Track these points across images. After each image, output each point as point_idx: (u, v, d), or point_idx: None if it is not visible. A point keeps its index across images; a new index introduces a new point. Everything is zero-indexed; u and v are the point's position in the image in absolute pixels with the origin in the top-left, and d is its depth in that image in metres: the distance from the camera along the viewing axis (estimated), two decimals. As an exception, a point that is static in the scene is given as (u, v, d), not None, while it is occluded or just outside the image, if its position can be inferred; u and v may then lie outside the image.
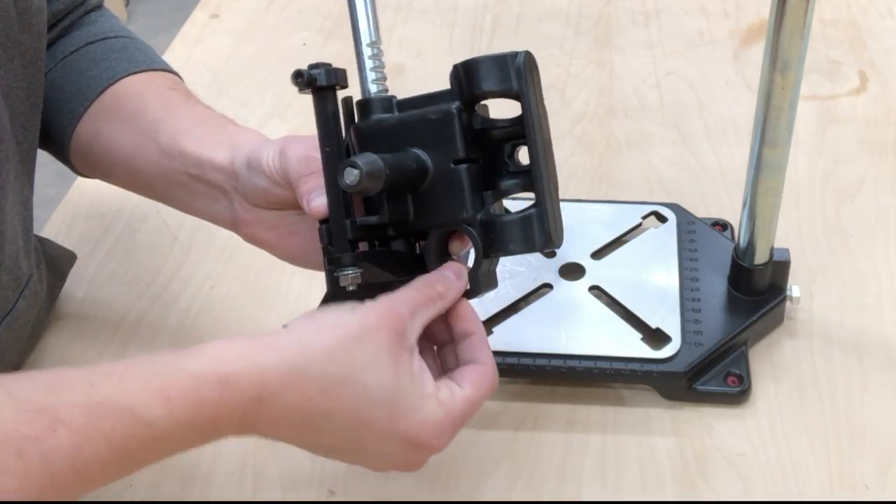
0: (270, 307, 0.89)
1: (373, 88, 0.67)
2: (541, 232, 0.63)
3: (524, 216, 0.63)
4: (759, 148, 0.76)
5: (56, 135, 0.81)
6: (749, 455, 0.75)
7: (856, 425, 0.77)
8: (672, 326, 0.80)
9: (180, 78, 0.86)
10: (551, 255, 0.86)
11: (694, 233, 0.88)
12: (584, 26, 1.25)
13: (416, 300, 0.62)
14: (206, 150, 0.73)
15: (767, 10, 0.70)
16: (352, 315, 0.60)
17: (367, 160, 0.60)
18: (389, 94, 0.67)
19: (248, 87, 1.17)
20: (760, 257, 0.81)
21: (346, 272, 0.63)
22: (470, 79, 0.63)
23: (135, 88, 0.81)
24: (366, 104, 0.67)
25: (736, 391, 0.78)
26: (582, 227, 0.89)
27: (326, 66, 0.66)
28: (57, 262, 0.87)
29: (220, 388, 0.55)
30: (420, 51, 1.20)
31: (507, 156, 0.65)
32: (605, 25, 1.25)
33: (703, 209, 0.94)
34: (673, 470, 0.75)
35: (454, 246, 0.67)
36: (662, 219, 0.90)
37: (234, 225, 0.74)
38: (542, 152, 0.63)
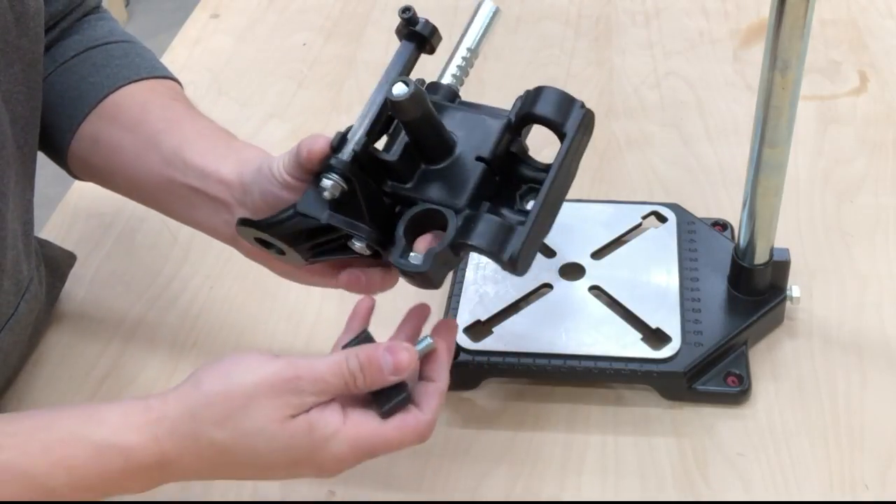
0: (270, 307, 0.89)
1: (448, 80, 0.70)
2: (515, 246, 0.62)
3: (509, 224, 0.64)
4: (759, 148, 0.76)
5: (55, 139, 0.81)
6: (749, 455, 0.75)
7: (856, 425, 0.77)
8: (672, 326, 0.80)
9: (181, 85, 0.86)
10: (551, 254, 0.86)
11: (694, 233, 0.88)
12: (584, 26, 1.25)
13: (326, 385, 0.62)
14: (210, 163, 0.74)
15: (767, 10, 0.70)
16: (242, 385, 0.61)
17: (418, 87, 0.62)
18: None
19: (248, 87, 1.17)
20: (760, 257, 0.81)
21: (331, 178, 0.65)
22: (534, 99, 0.66)
23: (137, 97, 0.81)
24: (435, 86, 0.70)
25: (736, 391, 0.78)
26: (582, 227, 0.89)
27: (430, 23, 0.69)
28: (56, 263, 0.87)
29: (122, 460, 0.58)
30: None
31: (520, 194, 0.67)
32: (605, 25, 1.25)
33: (703, 209, 0.94)
34: (673, 470, 0.75)
35: (422, 244, 0.66)
36: (662, 219, 0.90)
37: (232, 237, 0.74)
38: (546, 207, 0.64)
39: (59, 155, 0.82)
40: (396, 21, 0.70)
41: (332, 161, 0.65)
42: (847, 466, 0.74)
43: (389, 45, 1.22)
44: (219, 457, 0.61)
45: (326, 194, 0.65)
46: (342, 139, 0.66)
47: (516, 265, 0.63)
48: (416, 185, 0.67)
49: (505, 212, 0.66)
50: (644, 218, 0.90)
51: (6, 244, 0.72)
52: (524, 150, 0.68)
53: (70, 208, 1.00)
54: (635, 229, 0.90)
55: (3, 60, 0.72)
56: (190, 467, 0.61)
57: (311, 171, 0.67)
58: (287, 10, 1.30)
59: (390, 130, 0.68)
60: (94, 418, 0.60)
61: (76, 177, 0.85)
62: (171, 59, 1.21)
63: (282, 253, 0.70)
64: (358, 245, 0.67)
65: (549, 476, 0.75)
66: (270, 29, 1.27)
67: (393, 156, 0.66)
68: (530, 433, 0.78)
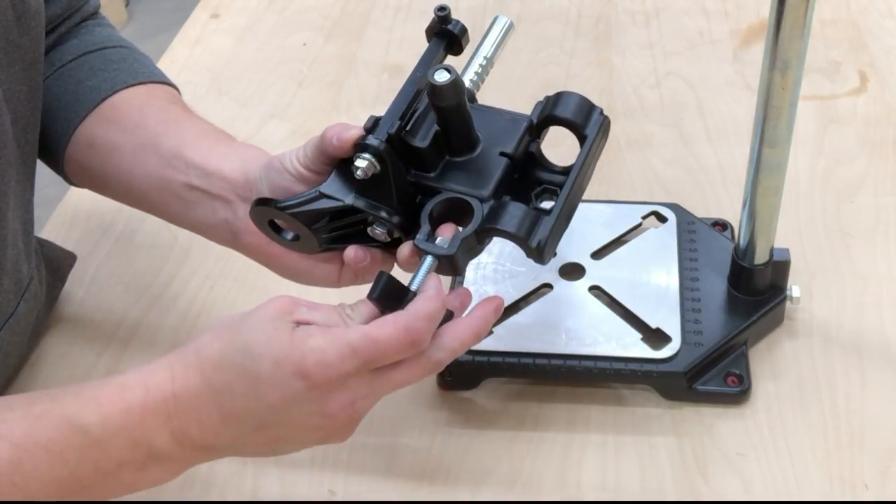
0: (270, 307, 0.89)
1: (467, 83, 0.72)
2: (543, 233, 0.65)
3: (537, 211, 0.66)
4: (759, 148, 0.76)
5: (51, 143, 0.81)
6: (749, 455, 0.75)
7: (856, 425, 0.77)
8: (672, 326, 0.80)
9: (178, 90, 0.86)
10: (551, 255, 0.86)
11: (694, 233, 0.88)
12: (584, 26, 1.25)
13: (320, 312, 0.62)
14: (211, 162, 0.74)
15: (767, 10, 0.70)
16: (241, 315, 0.63)
17: (459, 75, 0.65)
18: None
19: (248, 87, 1.17)
20: (760, 257, 0.81)
21: (365, 158, 0.66)
22: (555, 103, 0.70)
23: (136, 101, 0.81)
24: None
25: (736, 391, 0.78)
26: (582, 227, 0.89)
27: (461, 23, 0.73)
28: (56, 263, 0.87)
29: (143, 391, 0.60)
30: (420, 51, 1.20)
31: (535, 194, 0.70)
32: (605, 25, 1.25)
33: (703, 209, 0.94)
34: (673, 470, 0.75)
35: (445, 230, 0.67)
36: (662, 219, 0.90)
37: (233, 234, 0.74)
38: (569, 199, 0.67)
39: (55, 158, 0.82)
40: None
41: (369, 140, 0.66)
42: (847, 466, 0.74)
43: (389, 45, 1.23)
44: (217, 375, 0.61)
45: (360, 173, 0.66)
46: (375, 122, 0.68)
47: (543, 252, 0.65)
48: (440, 175, 0.69)
49: None
50: (644, 218, 0.90)
51: (6, 243, 0.72)
52: (541, 152, 0.71)
53: (70, 208, 1.00)
54: (635, 229, 0.90)
55: (5, 59, 0.72)
56: (199, 401, 0.61)
57: (338, 157, 0.68)
58: (287, 10, 1.30)
59: (413, 120, 0.69)
60: (120, 374, 0.63)
61: (71, 182, 0.85)
62: (171, 59, 1.21)
63: (295, 239, 0.71)
64: (378, 230, 0.69)
65: (549, 476, 0.75)
66: (270, 29, 1.27)
67: (423, 142, 0.68)
68: (530, 433, 0.78)
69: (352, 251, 0.70)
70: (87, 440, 0.58)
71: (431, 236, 0.66)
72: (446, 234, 0.66)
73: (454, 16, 0.72)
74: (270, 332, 0.61)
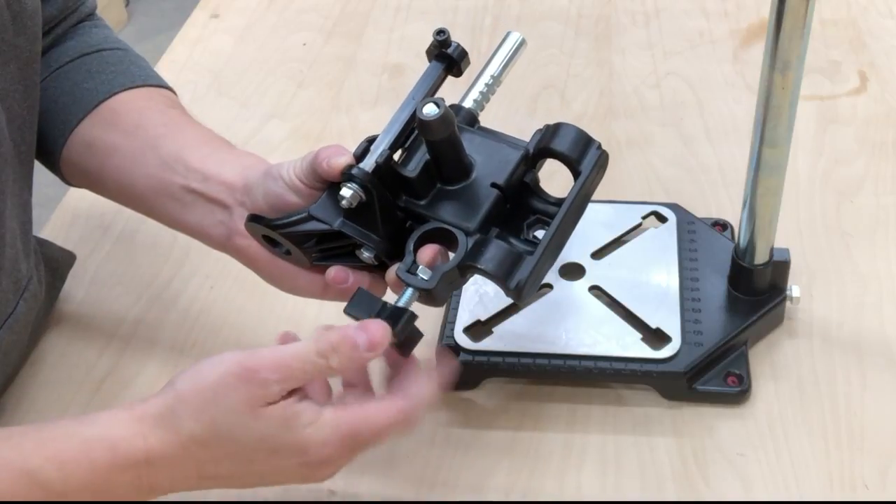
0: (270, 307, 0.89)
1: (469, 104, 0.71)
2: (522, 275, 0.64)
3: (521, 251, 0.66)
4: (759, 148, 0.76)
5: (47, 144, 0.82)
6: (749, 455, 0.75)
7: (856, 425, 0.77)
8: (672, 326, 0.80)
9: (175, 94, 0.87)
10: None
11: (694, 233, 0.88)
12: (584, 26, 1.25)
13: (289, 371, 0.61)
14: (212, 166, 0.75)
15: (767, 10, 0.70)
16: (209, 378, 0.61)
17: (448, 109, 0.65)
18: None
19: (248, 87, 1.17)
20: (760, 257, 0.81)
21: (351, 188, 0.66)
22: (552, 135, 0.69)
23: (135, 103, 0.81)
24: (455, 108, 0.71)
25: (736, 391, 0.78)
26: (582, 227, 0.88)
27: (461, 47, 0.71)
28: (56, 263, 0.87)
29: (110, 454, 0.59)
30: (420, 51, 1.20)
31: (527, 224, 0.69)
32: (605, 25, 1.25)
33: (703, 209, 0.94)
34: (673, 470, 0.75)
35: (430, 253, 0.67)
36: (662, 219, 0.90)
37: (227, 237, 0.75)
38: (555, 239, 0.66)
39: (52, 159, 0.82)
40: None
41: (354, 171, 0.66)
42: (847, 466, 0.74)
43: (389, 45, 1.23)
44: (202, 451, 0.61)
45: (345, 203, 0.66)
46: (365, 150, 0.68)
47: (521, 293, 0.64)
48: (430, 203, 0.68)
49: (512, 240, 0.68)
50: (644, 218, 0.90)
51: (4, 243, 0.72)
52: (537, 181, 0.70)
53: (70, 208, 1.00)
54: (635, 229, 0.90)
55: (0, 59, 0.72)
56: (177, 467, 0.61)
57: (328, 180, 0.68)
58: (287, 10, 1.30)
59: (407, 145, 0.70)
60: (85, 419, 0.61)
61: (68, 182, 0.85)
62: (171, 59, 1.21)
63: (288, 253, 0.72)
64: (366, 255, 0.69)
65: (549, 476, 0.75)
66: (270, 29, 1.27)
67: (412, 172, 0.68)
68: (530, 433, 0.78)
69: (332, 272, 0.71)
70: (49, 493, 0.58)
71: (414, 267, 0.66)
72: (429, 255, 0.66)
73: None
74: (259, 430, 0.60)
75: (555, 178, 0.73)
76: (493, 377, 0.80)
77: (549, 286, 0.84)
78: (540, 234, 0.67)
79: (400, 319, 0.64)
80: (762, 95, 0.73)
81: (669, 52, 1.19)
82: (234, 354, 0.62)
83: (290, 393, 0.62)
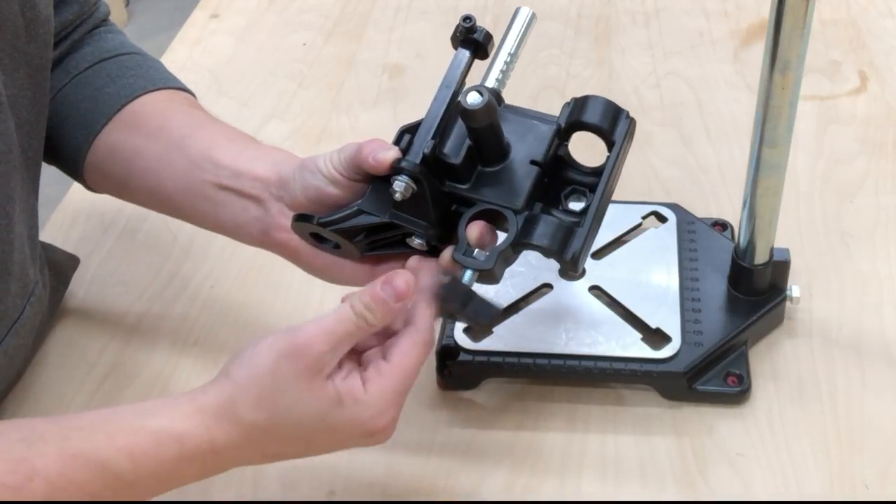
0: (270, 307, 0.89)
1: (492, 83, 0.72)
2: (576, 246, 0.67)
3: (569, 224, 0.68)
4: (759, 148, 0.76)
5: (69, 151, 0.81)
6: (749, 455, 0.75)
7: (856, 425, 0.77)
8: (672, 326, 0.80)
9: (194, 96, 0.86)
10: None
11: (694, 233, 0.88)
12: (584, 26, 1.25)
13: (336, 336, 0.63)
14: (243, 162, 0.75)
15: (767, 10, 0.70)
16: (265, 365, 0.63)
17: (491, 97, 0.65)
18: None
19: (248, 87, 1.17)
20: (760, 257, 0.81)
21: (402, 181, 0.67)
22: (582, 108, 0.70)
23: (157, 105, 0.81)
24: None
25: (736, 391, 0.78)
26: (582, 227, 0.89)
27: (485, 30, 0.71)
28: (60, 267, 0.87)
29: (177, 447, 0.62)
30: (420, 51, 1.20)
31: (564, 195, 0.71)
32: (605, 25, 1.25)
33: (703, 209, 0.94)
34: (673, 470, 0.75)
35: (478, 231, 0.68)
36: (662, 219, 0.90)
37: (264, 232, 0.74)
38: (600, 207, 0.68)
39: (75, 168, 0.82)
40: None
41: (404, 164, 0.68)
42: (847, 466, 0.74)
43: (389, 45, 1.23)
44: (265, 436, 0.63)
45: (398, 196, 0.67)
46: (409, 140, 0.69)
47: (577, 263, 0.67)
48: (474, 186, 0.70)
49: (554, 212, 0.70)
50: (644, 218, 0.90)
51: (13, 248, 0.72)
52: (569, 154, 0.72)
53: (70, 208, 1.00)
54: (635, 229, 0.90)
55: (11, 65, 0.72)
56: (242, 452, 0.63)
57: (373, 174, 0.69)
58: (287, 10, 1.30)
59: (443, 139, 0.70)
60: (148, 410, 0.63)
61: (92, 189, 0.85)
62: (171, 59, 1.21)
63: (337, 247, 0.73)
64: (417, 242, 0.70)
65: (549, 476, 0.75)
66: (270, 29, 1.27)
67: (457, 159, 0.69)
68: (530, 433, 0.78)
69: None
70: (121, 483, 0.61)
71: (469, 249, 0.68)
72: (477, 232, 0.68)
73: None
74: (318, 408, 0.63)
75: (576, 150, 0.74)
76: (493, 377, 0.81)
77: (549, 286, 0.84)
78: (575, 205, 0.70)
79: (471, 300, 0.67)
80: (762, 95, 0.73)
81: (669, 52, 1.19)
82: (280, 336, 0.63)
83: (339, 365, 0.64)
